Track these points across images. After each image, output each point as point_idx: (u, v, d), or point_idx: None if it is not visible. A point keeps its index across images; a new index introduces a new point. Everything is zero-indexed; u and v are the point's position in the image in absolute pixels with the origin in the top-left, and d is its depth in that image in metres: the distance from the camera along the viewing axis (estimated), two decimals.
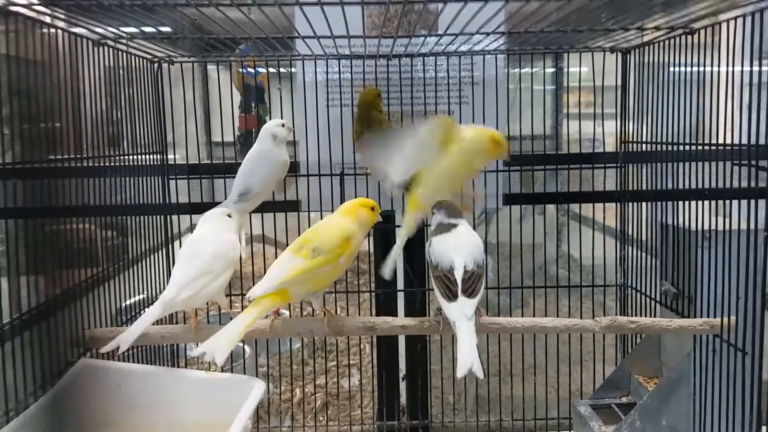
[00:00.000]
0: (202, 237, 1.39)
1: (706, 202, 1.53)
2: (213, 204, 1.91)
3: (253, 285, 1.98)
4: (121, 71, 1.68)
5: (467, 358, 1.19)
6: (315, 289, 1.32)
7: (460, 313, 1.26)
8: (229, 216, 1.46)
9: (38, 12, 1.31)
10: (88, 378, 1.27)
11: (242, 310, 1.24)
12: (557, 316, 1.44)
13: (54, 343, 1.35)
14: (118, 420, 1.27)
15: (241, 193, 1.61)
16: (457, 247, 1.34)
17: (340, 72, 1.86)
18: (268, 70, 1.94)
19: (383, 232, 2.00)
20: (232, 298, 1.97)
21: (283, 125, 1.62)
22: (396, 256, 1.41)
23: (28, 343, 1.31)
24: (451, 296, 1.29)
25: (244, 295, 1.95)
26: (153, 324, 1.30)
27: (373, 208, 1.39)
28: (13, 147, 1.29)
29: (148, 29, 1.52)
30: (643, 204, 1.83)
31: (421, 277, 1.95)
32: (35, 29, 1.31)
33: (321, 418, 2.33)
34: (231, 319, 1.30)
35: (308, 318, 1.49)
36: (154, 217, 1.85)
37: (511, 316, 1.81)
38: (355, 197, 1.83)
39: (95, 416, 1.26)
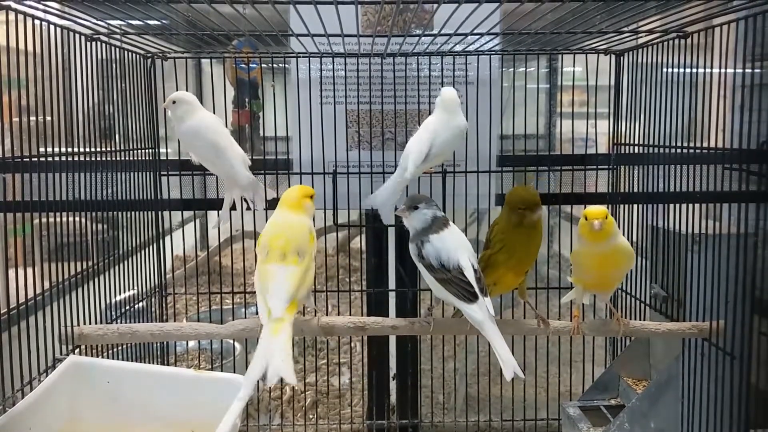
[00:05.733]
0: None
1: (697, 206, 1.54)
2: (205, 200, 1.92)
3: (244, 281, 1.98)
4: (114, 66, 1.67)
5: (510, 359, 1.17)
6: (309, 289, 1.32)
7: (486, 313, 1.22)
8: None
9: (31, 6, 1.30)
10: (77, 375, 1.26)
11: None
12: (548, 317, 1.44)
13: (42, 339, 1.35)
14: (107, 417, 1.26)
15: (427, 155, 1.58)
16: (460, 247, 1.30)
17: (334, 70, 1.86)
18: (261, 65, 1.93)
19: (376, 230, 2.00)
20: (223, 295, 1.97)
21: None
22: None
23: (15, 339, 1.30)
24: (471, 297, 1.23)
25: (237, 292, 1.97)
26: (142, 321, 1.29)
27: (312, 197, 1.39)
28: (3, 140, 1.28)
29: (141, 24, 1.51)
30: (634, 206, 1.84)
31: (413, 277, 1.95)
32: (27, 23, 1.30)
33: (311, 416, 2.33)
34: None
35: (299, 318, 1.49)
36: (146, 212, 1.84)
37: (501, 317, 1.81)
38: (348, 195, 1.85)
39: (83, 414, 1.26)
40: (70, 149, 1.48)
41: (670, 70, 1.65)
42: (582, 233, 1.34)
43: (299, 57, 1.82)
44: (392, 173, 1.87)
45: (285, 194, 1.39)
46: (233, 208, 1.66)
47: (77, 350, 1.43)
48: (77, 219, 1.52)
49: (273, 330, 1.18)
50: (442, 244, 1.29)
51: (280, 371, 1.11)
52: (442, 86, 1.87)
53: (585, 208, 1.34)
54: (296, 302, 1.26)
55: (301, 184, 1.85)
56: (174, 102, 1.55)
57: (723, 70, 1.42)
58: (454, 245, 1.30)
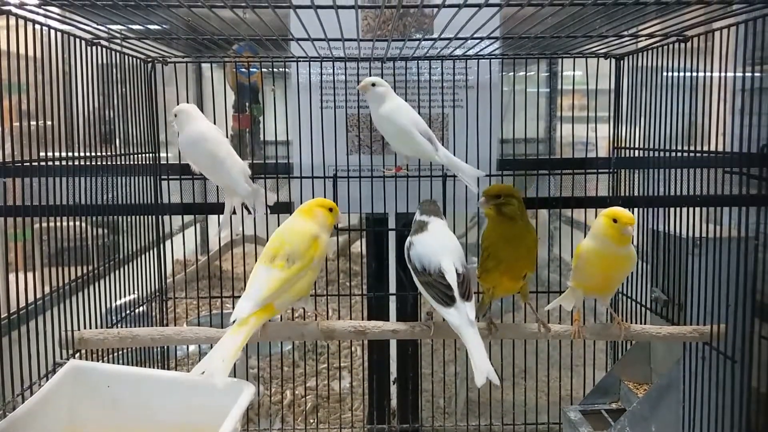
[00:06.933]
0: None
1: (697, 209, 1.54)
2: (205, 204, 1.92)
3: (244, 285, 1.98)
4: (114, 70, 1.68)
5: (482, 365, 1.15)
6: (299, 296, 1.31)
7: (463, 318, 1.21)
8: None
9: (31, 11, 1.30)
10: (77, 380, 1.26)
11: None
12: (548, 321, 1.44)
13: (43, 344, 1.35)
14: (107, 422, 1.26)
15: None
16: (442, 249, 1.30)
17: (334, 74, 1.86)
18: (261, 70, 1.93)
19: (376, 234, 2.00)
20: (223, 299, 1.97)
21: None
22: None
23: (16, 344, 1.30)
24: (449, 301, 1.23)
25: (237, 297, 1.97)
26: (143, 326, 1.29)
27: (331, 209, 1.36)
28: (3, 145, 1.28)
29: (141, 29, 1.51)
30: (635, 210, 1.84)
31: (413, 280, 1.95)
32: (28, 28, 1.30)
33: (311, 421, 2.32)
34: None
35: (299, 321, 1.49)
36: (146, 217, 1.84)
37: (501, 321, 1.81)
38: (348, 199, 1.85)
39: (84, 418, 1.25)
40: (70, 153, 1.48)
41: (670, 73, 1.65)
42: (606, 234, 1.30)
43: (299, 61, 1.83)
44: (392, 177, 1.88)
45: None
46: (233, 212, 1.66)
47: (77, 354, 1.43)
48: (78, 223, 1.52)
49: (232, 330, 1.19)
50: (423, 248, 1.31)
51: (215, 372, 1.12)
52: (443, 90, 1.87)
53: (600, 210, 1.35)
54: (272, 307, 1.25)
55: (301, 188, 1.86)
56: (175, 115, 1.56)
57: (723, 74, 1.42)
58: (437, 248, 1.30)
